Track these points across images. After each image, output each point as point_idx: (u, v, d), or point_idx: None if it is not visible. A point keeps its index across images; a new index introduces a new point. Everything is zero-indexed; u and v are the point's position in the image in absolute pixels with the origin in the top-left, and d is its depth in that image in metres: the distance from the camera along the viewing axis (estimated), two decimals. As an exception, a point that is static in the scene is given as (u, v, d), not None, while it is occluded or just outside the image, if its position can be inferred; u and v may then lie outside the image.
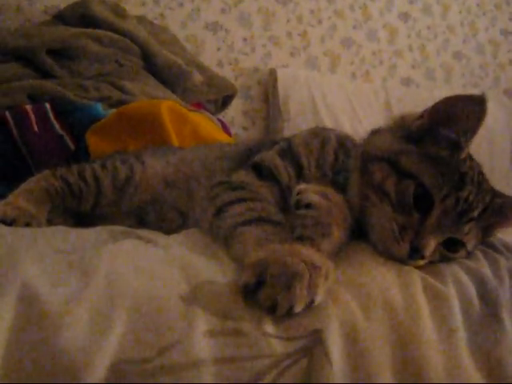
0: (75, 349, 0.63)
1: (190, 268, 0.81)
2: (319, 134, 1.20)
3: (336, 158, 1.13)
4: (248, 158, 1.20)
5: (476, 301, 0.89)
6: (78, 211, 1.38)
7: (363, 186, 1.01)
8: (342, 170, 1.10)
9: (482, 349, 0.85)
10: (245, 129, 3.26)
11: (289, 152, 1.16)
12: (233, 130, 2.99)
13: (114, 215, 1.37)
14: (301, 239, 0.86)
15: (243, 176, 1.12)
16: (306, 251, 0.79)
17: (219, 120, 2.63)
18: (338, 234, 0.90)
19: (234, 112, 3.21)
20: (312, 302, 0.74)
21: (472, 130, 0.98)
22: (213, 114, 2.64)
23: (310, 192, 0.93)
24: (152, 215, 1.35)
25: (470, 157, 1.03)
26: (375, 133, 1.12)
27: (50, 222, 1.28)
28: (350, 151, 1.13)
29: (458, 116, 0.98)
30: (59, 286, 0.71)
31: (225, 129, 2.56)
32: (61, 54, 2.21)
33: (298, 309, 0.72)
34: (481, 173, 1.04)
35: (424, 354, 0.78)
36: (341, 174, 1.09)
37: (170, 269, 0.80)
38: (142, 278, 0.76)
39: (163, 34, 2.71)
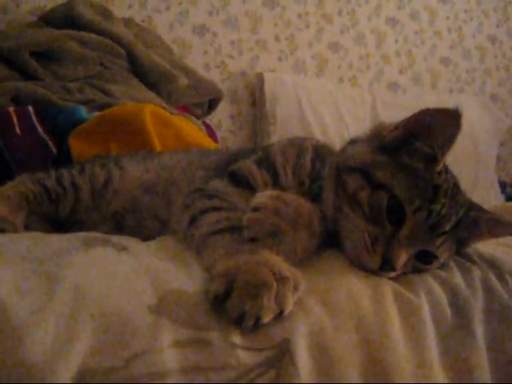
0: (39, 360, 0.63)
1: (159, 277, 0.80)
2: (296, 144, 1.20)
3: (313, 167, 1.13)
4: (226, 167, 1.20)
5: (448, 311, 0.90)
6: (57, 217, 1.37)
7: (337, 195, 1.01)
8: (317, 178, 1.10)
9: (453, 359, 0.85)
10: (232, 132, 3.26)
11: (265, 161, 1.15)
12: (219, 134, 2.99)
13: (93, 221, 1.37)
14: (253, 241, 0.87)
15: (219, 184, 1.12)
16: (275, 261, 0.79)
17: (205, 124, 2.63)
18: (293, 236, 0.90)
19: (220, 116, 3.20)
20: (281, 312, 0.74)
21: (447, 144, 0.97)
22: (199, 117, 2.64)
23: (261, 196, 0.93)
24: (131, 221, 1.34)
25: (445, 169, 1.03)
26: (352, 142, 1.12)
27: (27, 228, 1.27)
28: (327, 160, 1.13)
29: (433, 129, 0.97)
30: (25, 295, 0.70)
31: (211, 133, 2.56)
32: (45, 55, 2.19)
33: (265, 319, 0.72)
34: (456, 185, 1.04)
35: (393, 364, 0.78)
36: (316, 183, 1.09)
37: (139, 278, 0.80)
38: (110, 288, 0.75)
39: (149, 36, 2.70)
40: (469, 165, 3.43)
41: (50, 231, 1.22)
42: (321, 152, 1.17)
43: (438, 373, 0.82)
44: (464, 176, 3.34)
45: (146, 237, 1.13)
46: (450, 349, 0.86)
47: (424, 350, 0.82)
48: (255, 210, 0.90)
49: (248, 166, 1.15)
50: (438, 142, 0.97)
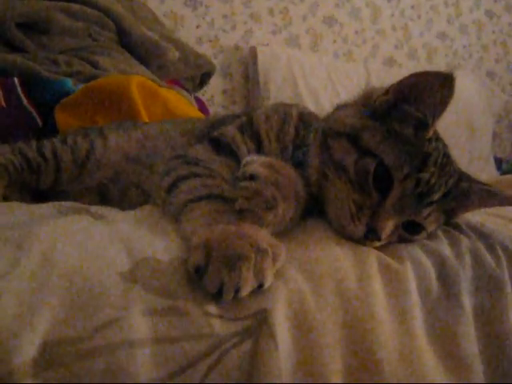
0: (3, 330, 0.60)
1: (133, 245, 0.77)
2: (280, 109, 1.17)
3: (297, 133, 1.10)
4: (209, 133, 1.17)
5: (434, 281, 0.87)
6: (38, 188, 1.34)
7: (322, 161, 0.98)
8: (302, 145, 1.07)
9: (439, 329, 0.83)
10: (224, 107, 3.24)
11: (249, 127, 1.12)
12: (212, 109, 2.96)
13: (76, 192, 1.34)
14: (242, 212, 0.83)
15: (200, 151, 1.09)
16: (254, 233, 0.75)
17: (197, 98, 2.60)
18: (284, 207, 0.86)
19: (213, 90, 3.18)
20: (261, 285, 0.71)
21: (439, 109, 0.94)
22: (190, 91, 2.61)
23: (256, 163, 0.89)
24: (114, 192, 1.31)
25: (436, 137, 1.00)
26: (340, 107, 1.09)
27: (7, 199, 1.24)
28: (312, 126, 1.09)
29: (425, 93, 0.94)
30: (-11, 262, 0.68)
31: (202, 107, 2.53)
32: (32, 27, 2.15)
33: (244, 292, 0.69)
34: (446, 154, 1.01)
35: (375, 334, 0.75)
36: (300, 149, 1.06)
37: (112, 245, 0.77)
38: (81, 255, 0.72)
39: (140, 9, 2.66)
40: (464, 141, 3.41)
41: (31, 203, 1.19)
42: (306, 118, 1.14)
43: (423, 342, 0.79)
44: (460, 152, 3.33)
45: (130, 208, 1.09)
46: (436, 319, 0.83)
47: (408, 319, 0.80)
48: (251, 178, 0.86)
49: (231, 132, 1.12)
50: (430, 107, 0.94)
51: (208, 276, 0.69)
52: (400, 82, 0.97)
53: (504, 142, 4.08)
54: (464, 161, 3.28)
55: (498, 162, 3.71)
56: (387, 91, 0.99)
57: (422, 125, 0.96)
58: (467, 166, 3.23)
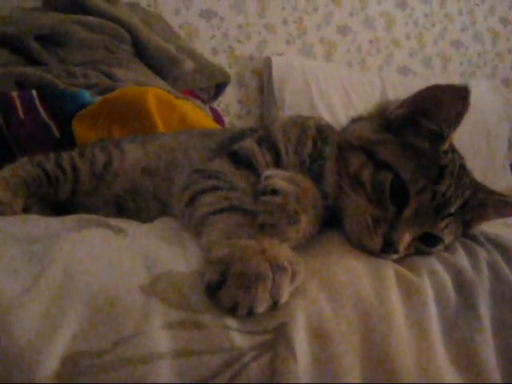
0: (26, 342, 0.61)
1: (153, 258, 0.78)
2: (298, 122, 1.17)
3: (314, 146, 1.11)
4: (228, 147, 1.17)
5: (452, 293, 0.87)
6: (57, 200, 1.36)
7: (338, 174, 0.98)
8: (318, 157, 1.07)
9: (458, 342, 0.82)
10: (239, 117, 3.24)
11: (267, 139, 1.13)
12: (227, 119, 2.97)
13: (93, 204, 1.35)
14: (263, 227, 0.83)
15: (219, 164, 1.09)
16: (274, 249, 0.75)
17: (212, 109, 2.60)
18: (305, 221, 0.86)
19: (228, 100, 3.19)
20: (276, 303, 0.71)
21: (455, 121, 0.94)
22: (206, 102, 2.62)
23: (277, 177, 0.89)
24: (131, 204, 1.32)
25: (452, 149, 1.00)
26: (355, 120, 1.09)
27: (27, 211, 1.26)
28: (329, 139, 1.10)
29: (440, 106, 0.94)
30: (13, 276, 0.69)
31: (218, 118, 2.54)
32: (49, 40, 2.18)
33: (258, 310, 0.69)
34: (462, 166, 1.01)
35: (394, 348, 0.75)
36: (317, 162, 1.06)
37: (132, 259, 0.78)
38: (101, 268, 0.74)
39: (155, 20, 2.68)
40: (480, 149, 3.39)
41: (50, 215, 1.20)
42: (323, 131, 1.14)
43: (442, 356, 0.79)
44: (475, 160, 3.31)
45: (147, 219, 1.10)
46: (455, 332, 0.83)
47: (427, 332, 0.79)
48: (273, 193, 0.86)
49: (249, 145, 1.13)
50: (445, 120, 0.95)
51: (223, 293, 0.69)
52: (415, 96, 0.97)
53: (521, 149, 4.05)
54: (480, 169, 3.26)
55: (515, 170, 3.69)
56: (402, 104, 0.99)
57: (438, 137, 0.96)
58: (483, 173, 3.22)
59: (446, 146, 0.97)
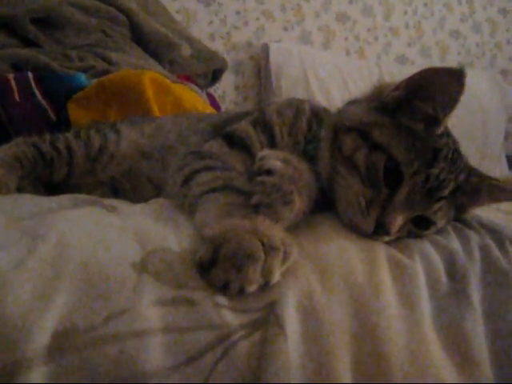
0: (17, 316, 0.61)
1: (145, 236, 0.78)
2: (293, 104, 1.17)
3: (309, 128, 1.10)
4: (222, 129, 1.17)
5: (443, 276, 0.87)
6: (51, 181, 1.36)
7: (333, 156, 0.99)
8: (313, 139, 1.07)
9: (448, 325, 0.83)
10: (236, 104, 3.24)
11: (262, 121, 1.13)
12: (224, 105, 2.97)
13: (88, 185, 1.35)
14: (258, 207, 0.83)
15: (214, 146, 1.09)
16: (267, 229, 0.75)
17: (209, 94, 2.60)
18: (300, 202, 0.86)
19: (225, 87, 3.18)
20: (267, 283, 0.71)
21: (450, 105, 0.95)
22: (202, 88, 2.61)
23: (272, 158, 0.89)
24: (127, 186, 1.33)
25: (446, 133, 1.00)
26: (351, 103, 1.09)
27: (21, 191, 1.25)
28: (324, 121, 1.10)
29: (435, 89, 0.94)
30: (5, 250, 0.69)
31: (214, 103, 2.53)
32: (46, 22, 2.17)
33: (249, 290, 0.69)
34: (456, 150, 1.01)
35: (384, 327, 0.75)
36: (312, 144, 1.06)
37: (125, 236, 0.78)
38: (94, 245, 0.73)
39: (153, 5, 2.67)
40: (477, 139, 3.40)
41: (44, 195, 1.20)
42: (318, 113, 1.14)
43: (431, 337, 0.79)
44: (471, 150, 3.31)
45: (142, 201, 1.10)
46: (445, 314, 0.83)
47: (417, 314, 0.80)
48: (268, 173, 0.86)
49: (244, 127, 1.13)
50: (441, 102, 0.95)
51: (215, 272, 0.69)
52: (411, 78, 0.97)
53: (517, 140, 4.06)
54: (476, 159, 3.26)
55: (511, 161, 3.69)
56: (398, 87, 1.00)
57: (433, 120, 0.96)
58: (479, 163, 3.21)
59: (440, 130, 0.97)
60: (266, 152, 0.92)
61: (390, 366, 0.74)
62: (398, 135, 0.95)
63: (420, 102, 0.97)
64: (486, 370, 0.82)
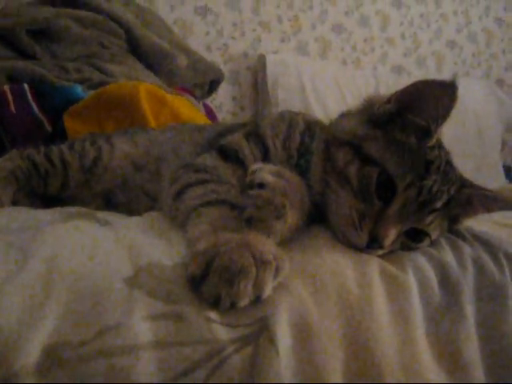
0: (6, 331, 0.61)
1: (137, 250, 0.78)
2: (286, 117, 1.17)
3: (302, 141, 1.10)
4: (216, 141, 1.17)
5: (436, 289, 0.87)
6: (46, 193, 1.36)
7: (325, 170, 0.99)
8: (306, 152, 1.07)
9: (441, 338, 0.83)
10: (233, 114, 3.24)
11: (255, 134, 1.13)
12: (221, 116, 2.97)
13: (83, 198, 1.35)
14: (250, 221, 0.82)
15: (207, 159, 1.09)
16: (259, 243, 0.74)
17: (205, 105, 2.60)
18: (292, 216, 0.86)
19: (222, 97, 3.19)
20: (258, 297, 0.71)
21: (442, 117, 0.95)
22: (199, 98, 2.62)
23: (264, 171, 0.89)
24: (121, 198, 1.33)
25: (439, 145, 1.00)
26: (343, 115, 1.10)
27: (16, 204, 1.26)
28: (317, 135, 1.10)
29: (427, 102, 0.94)
30: (-5, 266, 0.69)
31: (211, 114, 2.53)
32: (43, 34, 2.17)
33: (240, 305, 0.69)
34: (449, 162, 1.01)
35: (376, 342, 0.75)
36: (304, 157, 1.06)
37: (117, 251, 0.78)
38: (85, 259, 0.73)
39: (149, 16, 2.67)
40: (473, 149, 3.40)
41: (39, 208, 1.20)
42: (311, 126, 1.14)
43: (424, 350, 0.79)
44: (468, 160, 3.31)
45: (136, 214, 1.10)
46: (438, 326, 0.83)
47: (410, 327, 0.80)
48: (260, 186, 0.86)
49: (237, 139, 1.13)
50: (432, 115, 0.95)
51: (206, 287, 0.69)
52: (402, 91, 0.98)
53: (514, 150, 4.07)
54: (472, 168, 3.27)
55: (507, 170, 3.69)
56: (389, 99, 1.00)
57: (425, 132, 0.96)
58: (476, 173, 3.22)
59: (432, 142, 0.97)
60: (258, 165, 0.91)
61: (383, 378, 0.74)
62: (390, 148, 0.95)
63: (412, 114, 0.97)
64: (479, 380, 0.82)
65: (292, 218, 0.86)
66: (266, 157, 1.09)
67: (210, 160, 1.09)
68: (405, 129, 0.97)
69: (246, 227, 0.81)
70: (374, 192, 0.93)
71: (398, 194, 0.92)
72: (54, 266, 0.71)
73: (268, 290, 0.71)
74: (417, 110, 0.96)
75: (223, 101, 3.20)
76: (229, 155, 1.10)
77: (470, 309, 0.88)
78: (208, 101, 2.86)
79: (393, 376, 0.75)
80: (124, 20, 2.38)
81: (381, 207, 0.93)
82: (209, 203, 0.89)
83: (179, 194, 0.97)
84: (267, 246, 0.75)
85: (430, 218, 0.95)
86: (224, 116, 3.15)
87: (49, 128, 1.87)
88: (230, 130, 1.23)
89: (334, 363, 0.72)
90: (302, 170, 1.02)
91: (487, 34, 4.00)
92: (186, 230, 0.86)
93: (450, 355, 0.82)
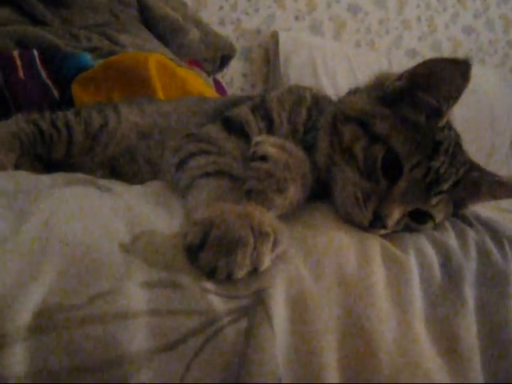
0: (0, 295, 0.60)
1: (136, 217, 0.78)
2: (294, 92, 1.16)
3: (309, 116, 1.09)
4: (222, 113, 1.16)
5: (438, 271, 0.86)
6: (50, 159, 1.35)
7: (331, 146, 0.97)
8: (313, 128, 1.06)
9: (440, 322, 0.82)
10: (243, 90, 3.22)
11: (261, 107, 1.12)
12: (231, 91, 2.95)
13: (88, 165, 1.34)
14: (250, 193, 0.81)
15: (212, 130, 1.08)
16: (258, 215, 0.73)
17: (216, 80, 2.59)
18: (294, 190, 0.85)
19: (233, 73, 3.17)
20: (256, 269, 0.70)
21: (454, 97, 0.93)
22: (210, 73, 2.60)
23: (267, 144, 0.87)
24: (125, 166, 1.32)
25: (448, 126, 0.99)
26: (352, 92, 1.08)
27: (19, 168, 1.25)
28: (324, 110, 1.08)
29: (440, 80, 0.92)
30: (-10, 227, 0.68)
31: (221, 89, 2.52)
32: (53, 1, 2.15)
33: (237, 276, 0.68)
34: (458, 144, 0.99)
35: (373, 321, 0.74)
36: (311, 133, 1.05)
37: (115, 217, 0.77)
38: (82, 224, 0.73)
39: (163, -13, 2.64)
40: (486, 136, 3.37)
41: (43, 174, 1.20)
42: (319, 102, 1.13)
43: (422, 332, 0.78)
44: (480, 147, 3.28)
45: (140, 183, 1.09)
46: (437, 310, 0.82)
47: (408, 308, 0.79)
48: (262, 159, 0.85)
49: (243, 112, 1.12)
50: (444, 94, 0.93)
51: (203, 256, 0.68)
52: (415, 68, 0.95)
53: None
54: (484, 155, 3.25)
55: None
56: (401, 77, 0.98)
57: (435, 112, 0.94)
58: (487, 160, 3.20)
59: (443, 122, 0.95)
60: (261, 137, 0.90)
61: (378, 360, 0.73)
62: (398, 126, 0.94)
63: (423, 92, 0.95)
64: (476, 366, 0.82)
65: (293, 192, 0.85)
66: (271, 130, 1.08)
67: (214, 131, 1.08)
68: (415, 107, 0.95)
69: (246, 199, 0.80)
70: (380, 170, 0.91)
71: (405, 173, 0.91)
72: (49, 229, 0.70)
73: (266, 262, 0.70)
74: (428, 88, 0.94)
75: (234, 76, 3.19)
76: (234, 127, 1.09)
77: (470, 294, 0.86)
78: (219, 76, 2.84)
79: (388, 357, 0.74)
80: (136, -12, 2.36)
81: (386, 186, 0.91)
82: (209, 174, 0.88)
83: (181, 164, 0.96)
84: (266, 218, 0.74)
85: (435, 200, 0.94)
86: (234, 92, 3.13)
87: (57, 96, 1.85)
88: (236, 102, 1.22)
89: (328, 342, 0.72)
90: (308, 146, 1.00)
91: (505, 21, 3.94)
92: (186, 199, 0.85)
93: (447, 339, 0.81)
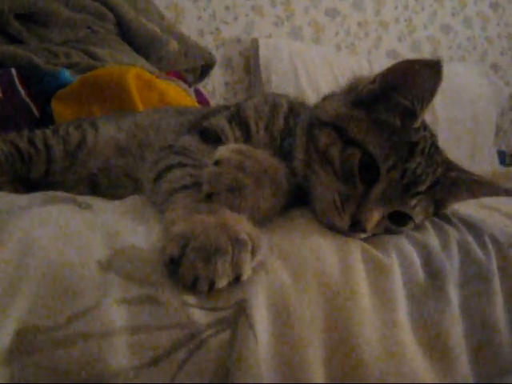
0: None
1: (114, 233, 0.77)
2: (270, 100, 1.16)
3: (286, 123, 1.09)
4: (199, 124, 1.16)
5: (420, 272, 0.86)
6: (30, 178, 1.34)
7: (307, 152, 0.97)
8: (290, 135, 1.06)
9: (424, 321, 0.82)
10: (226, 99, 3.22)
11: (238, 116, 1.11)
12: (214, 101, 2.95)
13: (68, 182, 1.34)
14: (211, 197, 0.82)
15: (188, 141, 1.08)
16: (234, 223, 0.73)
17: (197, 90, 2.58)
18: (257, 193, 0.84)
19: (215, 82, 3.18)
20: (238, 278, 0.69)
21: (427, 97, 0.93)
22: (191, 83, 2.60)
23: (224, 149, 0.87)
24: (105, 182, 1.31)
25: (423, 126, 0.99)
26: (328, 97, 1.08)
27: (-1, 189, 1.24)
28: (301, 117, 1.08)
29: (412, 81, 0.92)
30: (-34, 250, 0.67)
31: (203, 99, 2.52)
32: (31, 19, 2.15)
33: (220, 285, 0.68)
34: (434, 144, 1.00)
35: (357, 325, 0.75)
36: (288, 140, 1.05)
37: (92, 234, 0.76)
38: (59, 243, 0.72)
39: (141, 1, 2.64)
40: (467, 133, 3.39)
41: (22, 193, 1.19)
42: (295, 108, 1.13)
43: (407, 334, 0.79)
44: (462, 144, 3.29)
45: (121, 198, 1.09)
46: (422, 311, 0.83)
47: (392, 310, 0.79)
48: (217, 163, 0.85)
49: (219, 122, 1.11)
50: (417, 95, 0.93)
51: (183, 268, 0.67)
52: (387, 71, 0.95)
53: (508, 135, 4.05)
54: (467, 152, 3.26)
55: (502, 156, 3.68)
56: (374, 80, 0.98)
57: (410, 114, 0.95)
58: (470, 158, 3.21)
59: (417, 123, 0.95)
60: (225, 146, 0.90)
61: (364, 364, 0.73)
62: (373, 129, 0.94)
63: (397, 94, 0.95)
64: (463, 364, 0.82)
65: (258, 195, 0.85)
66: (247, 139, 1.08)
67: (190, 142, 1.08)
68: (389, 110, 0.95)
69: (206, 202, 0.81)
70: (357, 174, 0.91)
71: (381, 176, 0.91)
72: (26, 249, 0.69)
73: (247, 270, 0.70)
74: (401, 90, 0.94)
75: (216, 86, 3.19)
76: (210, 137, 1.09)
77: (454, 293, 0.87)
78: (201, 86, 2.84)
79: (374, 360, 0.74)
80: (114, 4, 2.37)
81: (364, 190, 0.91)
82: (186, 187, 0.88)
83: (158, 178, 0.96)
84: (242, 226, 0.74)
85: (413, 202, 0.94)
86: (217, 101, 3.13)
87: (37, 113, 1.85)
88: (213, 112, 1.22)
89: (313, 348, 0.72)
90: (286, 153, 1.00)
91: (482, 19, 3.98)
92: (164, 214, 0.85)
93: (433, 339, 0.82)
